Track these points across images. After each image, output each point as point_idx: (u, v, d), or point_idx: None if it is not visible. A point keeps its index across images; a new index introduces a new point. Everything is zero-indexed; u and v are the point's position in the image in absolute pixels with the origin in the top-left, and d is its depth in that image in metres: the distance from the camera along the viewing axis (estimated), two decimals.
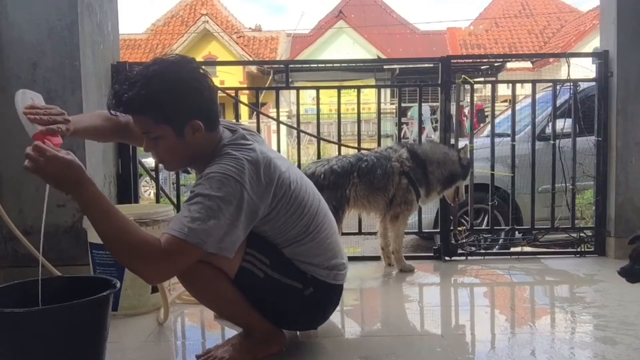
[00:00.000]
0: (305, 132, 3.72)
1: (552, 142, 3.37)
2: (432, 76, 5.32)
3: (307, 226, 1.72)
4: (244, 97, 6.82)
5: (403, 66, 13.63)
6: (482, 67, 12.04)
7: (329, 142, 4.78)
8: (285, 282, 1.71)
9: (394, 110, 13.12)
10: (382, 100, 9.86)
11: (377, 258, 3.22)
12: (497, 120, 4.01)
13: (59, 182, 1.43)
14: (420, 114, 3.97)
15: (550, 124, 3.50)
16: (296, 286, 1.73)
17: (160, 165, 3.76)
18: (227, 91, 3.48)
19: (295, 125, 3.78)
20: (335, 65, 11.26)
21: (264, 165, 1.61)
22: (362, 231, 3.41)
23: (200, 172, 1.66)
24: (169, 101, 1.55)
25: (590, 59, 3.39)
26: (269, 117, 5.15)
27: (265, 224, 1.67)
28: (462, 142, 3.50)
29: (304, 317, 1.85)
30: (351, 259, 3.27)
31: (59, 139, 1.54)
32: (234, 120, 2.70)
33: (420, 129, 4.86)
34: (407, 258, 3.10)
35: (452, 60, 3.41)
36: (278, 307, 1.76)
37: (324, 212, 1.82)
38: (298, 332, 2.02)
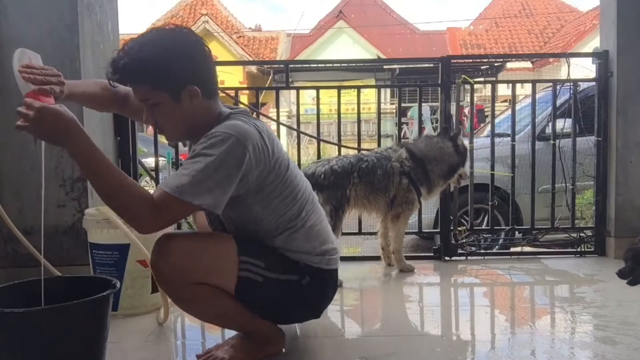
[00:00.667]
0: (305, 134, 3.72)
1: (552, 142, 3.37)
2: (432, 76, 5.32)
3: (299, 211, 1.72)
4: (243, 97, 6.81)
5: (403, 66, 13.63)
6: (482, 67, 12.05)
7: (329, 143, 4.74)
8: (283, 279, 1.71)
9: (394, 110, 13.11)
10: (382, 100, 9.86)
11: (377, 258, 3.22)
12: (497, 120, 4.01)
13: (51, 134, 1.43)
14: (420, 114, 3.97)
15: (550, 124, 3.50)
16: (293, 279, 1.73)
17: (160, 165, 3.77)
18: (226, 91, 3.47)
19: (295, 126, 3.78)
20: (335, 65, 11.25)
21: (268, 136, 1.63)
22: (362, 231, 3.41)
23: None
24: (163, 66, 1.55)
25: (590, 59, 3.39)
26: (268, 117, 5.15)
27: (260, 205, 1.66)
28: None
29: (306, 307, 1.84)
30: (351, 259, 3.30)
31: (51, 100, 1.53)
32: None
33: (420, 129, 4.87)
34: (407, 258, 3.10)
35: (452, 60, 3.42)
36: (280, 304, 1.76)
37: (312, 199, 1.82)
38: (298, 332, 2.02)
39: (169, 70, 1.56)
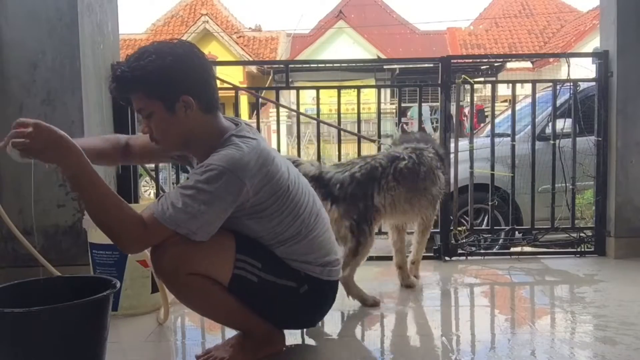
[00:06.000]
0: (325, 122, 3.43)
1: (552, 142, 3.37)
2: (432, 76, 5.32)
3: (300, 227, 1.71)
4: (243, 97, 6.80)
5: (403, 66, 13.61)
6: (482, 67, 12.04)
7: (351, 133, 3.65)
8: (279, 283, 1.70)
9: (394, 110, 13.10)
10: (382, 100, 9.85)
11: (377, 258, 3.22)
12: (497, 120, 4.01)
13: (45, 150, 1.45)
14: (420, 114, 3.97)
15: (550, 124, 3.50)
16: (291, 285, 1.72)
17: (161, 165, 3.76)
18: (227, 87, 3.46)
19: (295, 126, 3.77)
20: (335, 65, 11.22)
21: (266, 162, 1.61)
22: None
23: (199, 162, 1.64)
24: (158, 73, 1.55)
25: (590, 59, 3.39)
26: (282, 106, 4.51)
27: (258, 224, 1.66)
28: (462, 142, 3.50)
29: (301, 315, 1.84)
30: None
31: None
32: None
33: (420, 129, 4.86)
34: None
35: (452, 60, 3.41)
36: (275, 307, 1.75)
37: (316, 210, 1.79)
38: (298, 332, 2.01)
39: (164, 78, 1.55)
